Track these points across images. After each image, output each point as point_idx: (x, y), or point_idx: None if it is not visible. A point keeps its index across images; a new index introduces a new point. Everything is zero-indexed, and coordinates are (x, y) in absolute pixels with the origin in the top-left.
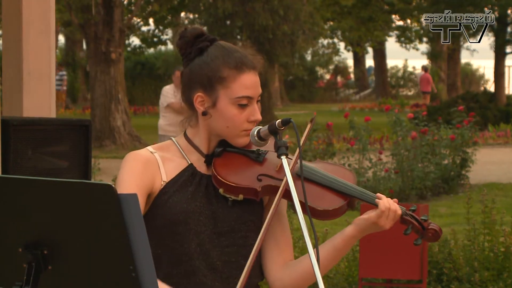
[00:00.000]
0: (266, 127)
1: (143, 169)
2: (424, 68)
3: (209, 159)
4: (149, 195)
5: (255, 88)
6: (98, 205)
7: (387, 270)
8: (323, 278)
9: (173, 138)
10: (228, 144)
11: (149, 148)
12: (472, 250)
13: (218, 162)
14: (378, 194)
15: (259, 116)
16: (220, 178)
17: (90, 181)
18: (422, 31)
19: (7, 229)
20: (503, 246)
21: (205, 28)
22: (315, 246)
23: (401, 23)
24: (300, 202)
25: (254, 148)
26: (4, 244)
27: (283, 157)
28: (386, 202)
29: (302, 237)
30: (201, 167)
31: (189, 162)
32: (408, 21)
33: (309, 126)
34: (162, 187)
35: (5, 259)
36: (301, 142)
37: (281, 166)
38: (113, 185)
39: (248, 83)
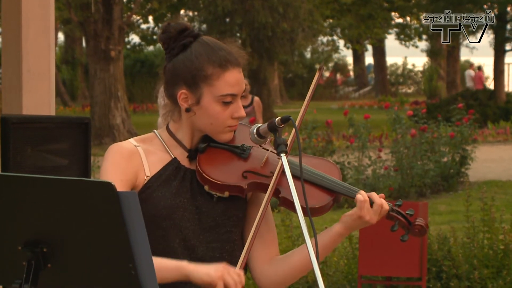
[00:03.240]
0: (266, 124)
1: (127, 163)
2: (478, 66)
3: (192, 154)
4: (132, 189)
5: (239, 85)
6: (98, 203)
7: (387, 267)
8: (322, 275)
9: (155, 131)
10: (212, 139)
11: (132, 140)
12: (472, 247)
13: (203, 158)
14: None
15: (243, 113)
16: (205, 176)
17: (89, 179)
18: (421, 29)
19: (6, 227)
20: (503, 243)
21: (204, 26)
22: (315, 244)
23: (400, 20)
24: (290, 201)
25: (238, 143)
26: (4, 242)
27: (283, 155)
28: (363, 194)
29: (301, 234)
30: (185, 161)
31: (173, 156)
32: (408, 18)
33: (317, 75)
34: (145, 181)
35: (4, 256)
36: (309, 93)
37: (266, 162)
38: (112, 183)
39: (232, 80)
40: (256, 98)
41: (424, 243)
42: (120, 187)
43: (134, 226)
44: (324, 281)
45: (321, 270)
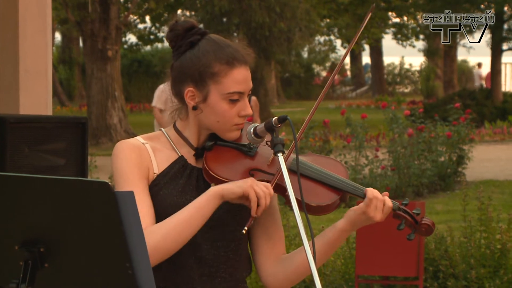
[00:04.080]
0: (263, 124)
1: (139, 158)
2: None
3: (199, 152)
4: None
5: (246, 83)
6: (95, 202)
7: (384, 267)
8: (319, 275)
9: (163, 129)
10: (218, 138)
11: (139, 138)
12: (469, 247)
13: (210, 156)
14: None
15: (250, 111)
16: (212, 173)
17: (86, 179)
18: (418, 28)
19: (3, 226)
20: (500, 243)
21: (201, 26)
22: (312, 243)
23: (397, 20)
24: (296, 199)
25: (244, 141)
26: (1, 242)
27: (280, 155)
28: (374, 191)
29: (299, 234)
30: (191, 160)
31: (180, 154)
32: (405, 18)
33: (369, 14)
34: (153, 178)
35: (1, 256)
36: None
37: (273, 160)
38: (109, 183)
39: (239, 78)
40: (254, 98)
41: (421, 243)
42: (139, 183)
43: (131, 225)
44: (321, 280)
45: (318, 269)
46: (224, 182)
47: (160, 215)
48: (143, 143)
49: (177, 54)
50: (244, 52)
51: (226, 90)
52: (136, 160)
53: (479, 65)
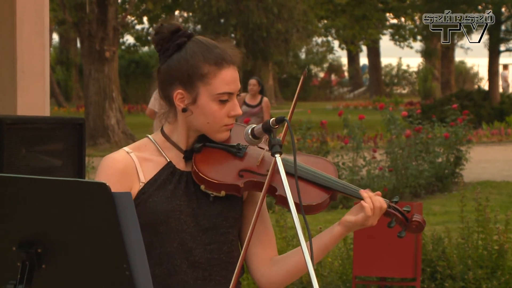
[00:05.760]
0: (260, 125)
1: (119, 178)
2: None
3: (188, 155)
4: None
5: (235, 83)
6: (92, 203)
7: (381, 268)
8: (316, 275)
9: (149, 135)
10: (207, 139)
11: (126, 148)
12: (466, 248)
13: (199, 158)
14: (362, 191)
15: (239, 111)
16: (201, 175)
17: (84, 180)
18: (416, 29)
19: (1, 227)
20: (497, 244)
21: (199, 27)
22: (310, 245)
23: (395, 21)
24: (284, 198)
25: (234, 142)
26: None
27: (277, 156)
28: (370, 203)
29: (296, 235)
30: (180, 164)
31: (168, 160)
32: (402, 19)
33: (302, 79)
34: (140, 187)
35: None
36: (295, 97)
37: (262, 161)
38: (107, 184)
39: (228, 78)
40: (265, 99)
41: (419, 244)
42: None
43: (128, 226)
44: (318, 281)
45: (316, 270)
46: (214, 183)
47: (152, 222)
48: (127, 153)
49: (164, 57)
50: (231, 53)
51: (215, 91)
52: (114, 180)
53: (505, 67)
